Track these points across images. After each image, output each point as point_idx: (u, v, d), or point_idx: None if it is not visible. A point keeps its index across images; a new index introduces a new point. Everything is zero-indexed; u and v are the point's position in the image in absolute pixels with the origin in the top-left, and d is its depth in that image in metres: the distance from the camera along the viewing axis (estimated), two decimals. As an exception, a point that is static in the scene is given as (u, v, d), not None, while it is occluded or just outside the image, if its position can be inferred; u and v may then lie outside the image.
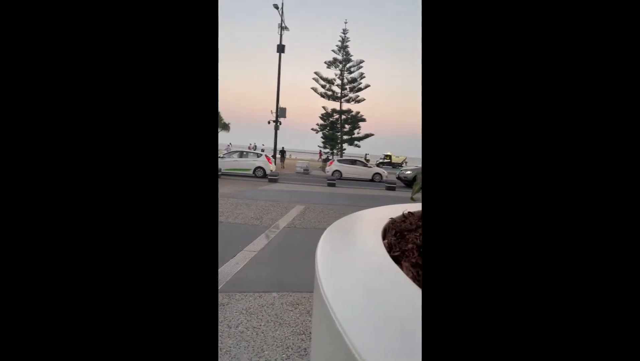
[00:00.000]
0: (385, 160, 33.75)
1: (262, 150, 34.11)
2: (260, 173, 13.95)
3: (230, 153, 14.36)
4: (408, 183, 13.83)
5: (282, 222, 5.29)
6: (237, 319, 2.31)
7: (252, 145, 36.18)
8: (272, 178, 12.15)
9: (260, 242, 4.11)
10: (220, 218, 5.28)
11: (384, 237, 0.90)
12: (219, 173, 13.52)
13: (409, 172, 14.26)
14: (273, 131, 20.31)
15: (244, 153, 14.52)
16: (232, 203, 6.76)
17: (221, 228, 4.69)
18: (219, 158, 14.03)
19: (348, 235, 0.95)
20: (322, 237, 0.88)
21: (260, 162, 14.20)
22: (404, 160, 35.88)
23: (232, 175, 13.36)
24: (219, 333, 2.11)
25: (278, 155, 24.56)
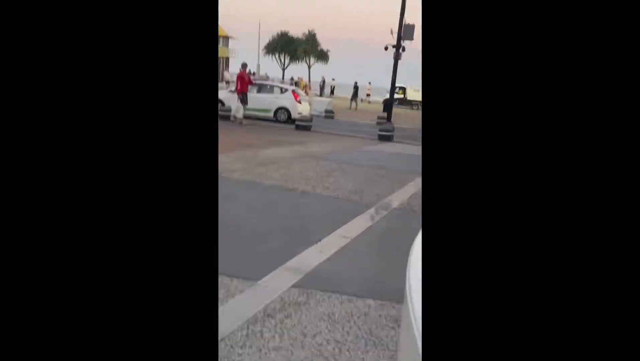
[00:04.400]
0: (399, 96, 32.08)
1: (332, 89, 32.56)
2: (283, 117, 13.73)
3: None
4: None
5: (394, 201, 5.37)
6: (315, 326, 2.50)
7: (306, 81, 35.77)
8: (385, 135, 12.12)
9: (358, 226, 4.26)
10: (306, 188, 5.61)
11: None
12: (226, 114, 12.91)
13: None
14: (392, 62, 19.29)
15: (267, 87, 14.40)
16: (322, 167, 7.08)
17: (305, 201, 5.00)
18: (227, 92, 13.62)
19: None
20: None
21: (284, 100, 13.85)
22: None
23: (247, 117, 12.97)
24: (292, 342, 2.32)
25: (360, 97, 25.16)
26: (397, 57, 18.56)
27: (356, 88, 28.94)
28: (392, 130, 12.63)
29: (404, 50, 18.90)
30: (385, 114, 19.15)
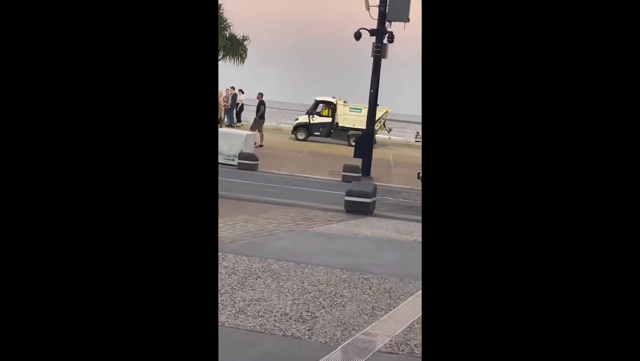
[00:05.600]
0: (321, 119, 22.68)
1: (238, 109, 22.82)
2: None
3: None
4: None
5: (378, 336, 3.81)
6: None
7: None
8: (358, 203, 7.67)
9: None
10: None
11: None
12: None
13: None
14: (371, 59, 11.81)
15: None
16: (232, 270, 5.02)
17: None
18: None
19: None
20: None
21: None
22: (382, 116, 22.51)
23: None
24: None
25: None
26: (379, 52, 12.28)
27: (260, 107, 19.74)
28: (373, 193, 8.35)
29: (391, 40, 12.47)
30: (357, 163, 13.04)
